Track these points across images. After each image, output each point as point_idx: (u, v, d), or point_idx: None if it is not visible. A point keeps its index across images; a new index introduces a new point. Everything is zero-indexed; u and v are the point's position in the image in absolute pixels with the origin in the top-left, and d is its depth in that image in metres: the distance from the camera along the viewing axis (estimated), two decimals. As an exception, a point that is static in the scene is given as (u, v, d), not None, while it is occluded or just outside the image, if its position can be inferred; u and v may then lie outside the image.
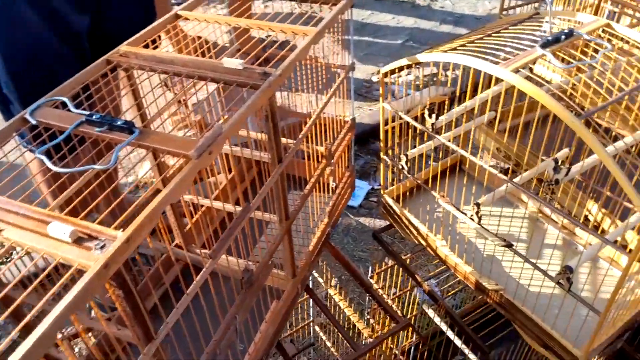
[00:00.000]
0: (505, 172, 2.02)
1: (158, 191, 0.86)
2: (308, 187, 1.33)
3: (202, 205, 1.43)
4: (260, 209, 1.26)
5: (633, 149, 1.08)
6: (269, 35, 1.24)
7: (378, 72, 4.12)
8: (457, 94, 1.70)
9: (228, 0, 3.27)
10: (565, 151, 1.42)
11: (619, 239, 1.26)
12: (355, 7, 4.73)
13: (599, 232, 1.44)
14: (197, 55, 1.28)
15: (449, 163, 1.67)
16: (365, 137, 3.44)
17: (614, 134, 1.25)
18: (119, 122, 0.85)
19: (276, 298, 1.32)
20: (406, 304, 2.11)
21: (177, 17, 1.30)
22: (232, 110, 0.97)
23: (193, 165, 0.80)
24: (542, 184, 1.16)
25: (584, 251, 1.11)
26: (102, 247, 0.67)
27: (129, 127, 0.85)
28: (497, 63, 1.06)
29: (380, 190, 1.60)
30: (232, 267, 1.12)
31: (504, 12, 1.74)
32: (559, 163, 1.08)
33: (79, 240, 0.69)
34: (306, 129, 1.25)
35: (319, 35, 1.15)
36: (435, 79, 3.63)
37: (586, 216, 1.53)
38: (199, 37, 1.31)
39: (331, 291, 1.81)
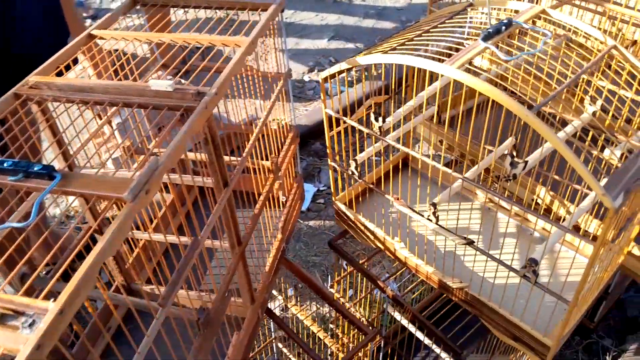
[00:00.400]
0: (449, 164, 2.02)
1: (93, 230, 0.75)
2: (258, 206, 1.24)
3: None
4: (208, 236, 1.16)
5: (588, 137, 1.07)
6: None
7: (309, 72, 4.09)
8: (393, 87, 1.66)
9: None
10: (510, 140, 1.41)
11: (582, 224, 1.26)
12: (277, 7, 4.67)
13: (551, 217, 1.44)
14: (120, 78, 1.16)
15: (394, 162, 1.64)
16: (305, 139, 3.37)
17: (558, 118, 1.25)
18: (36, 168, 0.74)
19: (236, 328, 1.23)
20: (368, 304, 2.07)
21: (91, 37, 1.18)
22: (164, 126, 0.87)
23: (129, 209, 0.70)
24: (499, 179, 1.14)
25: (546, 241, 1.10)
26: (31, 325, 0.57)
27: (48, 172, 0.73)
28: (441, 61, 1.02)
29: (326, 191, 1.55)
30: (185, 308, 1.02)
31: (434, 4, 1.73)
32: (514, 157, 1.05)
33: (2, 319, 0.58)
34: (250, 145, 1.16)
35: (252, 46, 1.07)
36: (367, 73, 3.61)
37: (535, 201, 1.54)
38: (116, 51, 1.19)
39: (290, 305, 1.74)
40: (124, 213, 0.69)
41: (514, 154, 1.05)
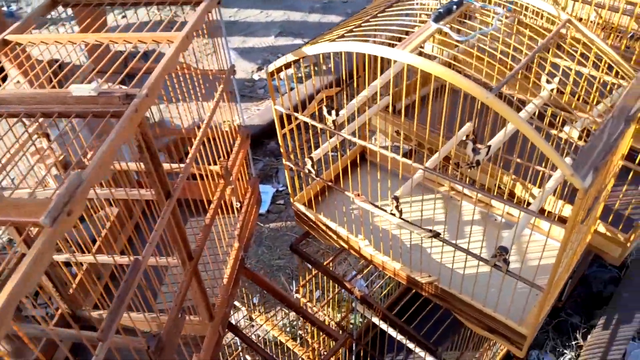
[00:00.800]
0: (408, 154, 1.97)
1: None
2: (209, 215, 1.15)
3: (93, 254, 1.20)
4: (154, 253, 1.06)
5: (547, 115, 1.03)
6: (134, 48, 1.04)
7: (259, 70, 3.98)
8: (343, 79, 1.59)
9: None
10: (468, 125, 1.36)
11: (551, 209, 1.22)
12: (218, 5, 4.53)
13: (515, 201, 1.41)
14: (53, 85, 1.04)
15: (352, 157, 1.57)
16: (259, 139, 3.27)
17: (516, 98, 1.20)
18: None
19: (194, 349, 1.13)
20: (336, 303, 2.00)
21: (5, 43, 1.06)
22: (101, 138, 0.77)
23: (49, 235, 0.60)
24: (459, 166, 1.08)
25: (515, 227, 1.05)
26: None
27: (-51, 200, 0.62)
28: (392, 46, 0.95)
29: (285, 191, 1.46)
30: (133, 337, 0.91)
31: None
32: (475, 143, 1.00)
33: None
34: (194, 149, 1.06)
35: (186, 41, 0.97)
36: (316, 68, 3.54)
37: (498, 185, 1.50)
38: (41, 60, 1.07)
39: (255, 316, 1.65)
40: (41, 241, 0.59)
41: (475, 139, 0.99)
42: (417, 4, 1.12)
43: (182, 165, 1.07)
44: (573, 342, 2.22)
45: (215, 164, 1.21)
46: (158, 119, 1.45)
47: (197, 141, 1.07)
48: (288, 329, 2.12)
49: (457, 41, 0.93)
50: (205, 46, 1.28)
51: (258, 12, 4.43)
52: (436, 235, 1.18)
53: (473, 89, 0.87)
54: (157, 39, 0.98)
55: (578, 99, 1.13)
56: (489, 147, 1.00)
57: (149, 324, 1.05)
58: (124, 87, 0.95)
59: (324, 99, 1.21)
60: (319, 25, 4.28)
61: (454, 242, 1.16)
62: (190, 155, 1.04)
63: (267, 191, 2.95)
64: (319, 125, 1.17)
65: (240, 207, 1.38)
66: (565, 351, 2.19)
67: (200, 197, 1.23)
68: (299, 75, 3.55)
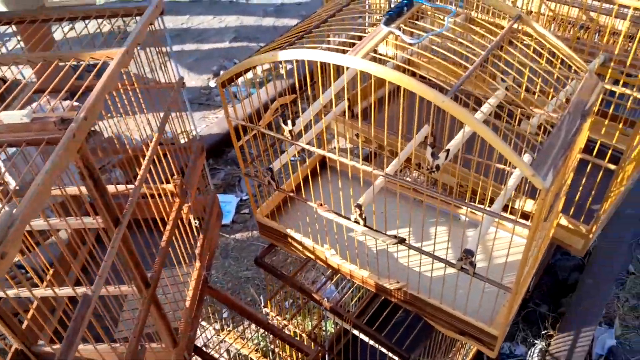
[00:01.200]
0: (369, 157, 1.95)
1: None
2: (165, 237, 1.10)
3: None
4: (109, 281, 1.00)
5: (504, 113, 1.02)
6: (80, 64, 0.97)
7: (215, 76, 3.90)
8: (299, 85, 1.57)
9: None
10: (425, 128, 1.35)
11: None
12: (170, 13, 4.41)
13: (477, 199, 1.40)
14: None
15: (312, 165, 1.53)
16: (219, 147, 3.21)
17: (472, 98, 1.19)
18: None
19: (160, 379, 1.08)
20: (307, 311, 1.96)
21: None
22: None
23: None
24: (420, 167, 1.06)
25: (479, 228, 1.04)
26: None
27: None
28: (344, 51, 0.92)
29: (249, 200, 1.41)
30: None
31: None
32: (434, 147, 0.98)
33: None
34: (143, 170, 1.01)
35: (127, 57, 0.92)
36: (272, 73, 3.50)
37: (459, 184, 1.49)
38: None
39: (224, 334, 1.60)
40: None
41: (434, 144, 0.97)
42: (368, 5, 1.10)
43: (132, 187, 1.01)
44: (543, 332, 2.24)
45: (168, 182, 1.15)
46: (113, 132, 1.38)
47: (147, 160, 1.02)
48: (260, 345, 2.07)
49: (410, 44, 0.91)
50: (156, 56, 1.23)
51: (211, 18, 4.35)
52: (401, 241, 1.16)
53: (428, 94, 0.84)
54: (95, 57, 0.92)
55: (533, 94, 1.12)
56: (448, 151, 0.98)
57: (110, 355, 0.99)
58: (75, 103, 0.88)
59: (279, 108, 1.17)
60: (274, 28, 4.24)
61: (419, 246, 1.14)
62: (139, 177, 0.98)
63: (230, 201, 2.89)
64: (276, 136, 1.13)
65: (200, 224, 1.33)
66: (535, 341, 2.21)
67: (156, 216, 1.17)
68: (258, 80, 3.50)
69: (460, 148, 1.13)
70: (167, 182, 1.18)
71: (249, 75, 3.66)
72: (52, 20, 1.08)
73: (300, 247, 1.38)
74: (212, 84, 3.73)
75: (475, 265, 1.05)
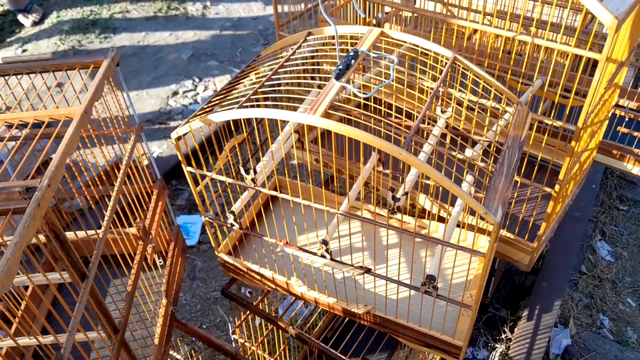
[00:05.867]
0: (329, 181, 2.01)
1: None
2: (131, 281, 1.13)
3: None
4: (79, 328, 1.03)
5: (447, 141, 1.09)
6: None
7: (174, 95, 3.90)
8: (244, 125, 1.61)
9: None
10: (373, 155, 1.41)
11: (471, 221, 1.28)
12: (126, 31, 4.39)
13: (436, 219, 1.48)
14: None
15: (264, 199, 1.58)
16: (181, 168, 3.22)
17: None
18: None
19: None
20: (275, 337, 2.00)
21: None
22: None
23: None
24: (387, 210, 1.12)
25: (436, 256, 1.11)
26: None
27: None
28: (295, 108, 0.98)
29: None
30: None
31: (282, 27, 1.69)
32: (394, 191, 1.04)
33: None
34: (107, 221, 1.04)
35: (85, 116, 0.95)
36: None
37: (414, 206, 1.57)
38: None
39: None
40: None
41: (393, 189, 1.03)
42: (315, 50, 1.16)
43: (99, 231, 1.04)
44: (503, 336, 2.35)
45: (130, 225, 1.19)
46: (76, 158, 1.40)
47: (110, 211, 1.05)
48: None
49: (362, 98, 0.97)
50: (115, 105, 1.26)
51: (167, 35, 4.34)
52: (367, 271, 1.22)
53: (387, 148, 0.91)
54: (54, 117, 0.95)
55: (473, 120, 1.20)
56: (407, 193, 1.05)
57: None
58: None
59: (228, 152, 1.22)
60: (232, 44, 4.26)
61: (384, 271, 1.21)
62: (102, 229, 1.02)
63: (195, 222, 2.91)
64: (239, 184, 1.18)
65: (164, 260, 1.37)
66: (496, 345, 2.32)
67: (121, 252, 1.21)
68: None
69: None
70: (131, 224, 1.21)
71: (204, 94, 3.67)
72: (10, 75, 1.10)
73: (263, 280, 1.42)
74: (172, 102, 3.73)
75: (438, 288, 1.12)
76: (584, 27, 1.92)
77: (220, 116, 1.05)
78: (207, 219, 1.28)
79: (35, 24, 4.27)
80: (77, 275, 0.89)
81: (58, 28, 4.28)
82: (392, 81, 1.01)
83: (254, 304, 1.48)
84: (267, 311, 1.66)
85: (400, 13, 1.91)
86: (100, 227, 1.06)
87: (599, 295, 2.60)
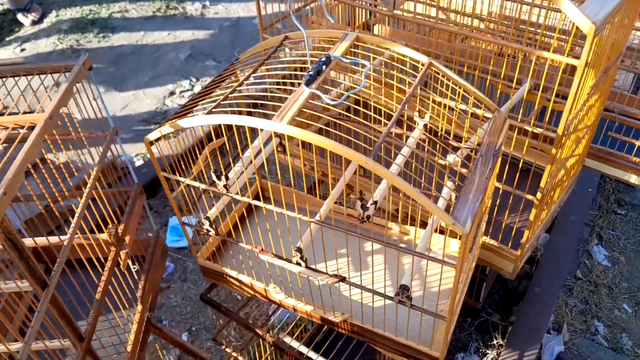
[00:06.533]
0: (314, 185, 1.99)
1: None
2: (100, 289, 1.11)
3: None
4: (42, 335, 1.01)
5: (427, 148, 1.07)
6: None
7: (171, 95, 3.89)
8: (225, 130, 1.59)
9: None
10: (352, 164, 1.38)
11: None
12: (124, 30, 4.38)
13: (416, 224, 1.46)
14: None
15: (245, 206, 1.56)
16: (172, 168, 3.20)
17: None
18: None
19: None
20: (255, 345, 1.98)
21: None
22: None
23: None
24: (358, 218, 1.10)
25: (409, 266, 1.09)
26: None
27: None
28: (268, 115, 0.96)
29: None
30: None
31: (265, 30, 1.67)
32: (363, 200, 1.02)
33: None
34: (73, 228, 1.03)
35: (51, 122, 0.94)
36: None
37: (391, 211, 1.56)
38: None
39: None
40: None
41: (362, 197, 1.01)
42: (292, 54, 1.14)
43: (63, 237, 1.03)
44: (495, 342, 2.32)
45: (101, 230, 1.17)
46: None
47: (77, 218, 1.04)
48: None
49: (332, 105, 0.95)
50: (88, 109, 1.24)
51: (166, 34, 4.33)
52: (342, 279, 1.20)
53: (353, 156, 0.89)
54: (19, 123, 0.93)
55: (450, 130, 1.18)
56: (376, 202, 1.02)
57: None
58: None
59: (208, 157, 1.20)
60: (230, 44, 4.25)
61: (359, 279, 1.19)
62: (70, 232, 1.00)
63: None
64: (213, 190, 1.16)
65: (141, 264, 1.35)
66: (487, 351, 2.29)
67: (92, 256, 1.19)
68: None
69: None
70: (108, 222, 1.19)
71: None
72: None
73: (243, 286, 1.41)
74: (168, 102, 3.72)
75: (412, 298, 1.10)
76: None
77: (189, 122, 1.03)
78: (184, 223, 1.26)
79: (34, 23, 4.27)
80: (37, 284, 0.87)
81: (57, 27, 4.28)
82: (364, 88, 0.99)
83: (242, 307, 1.46)
84: (252, 315, 1.64)
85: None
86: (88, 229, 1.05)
87: (594, 300, 2.57)
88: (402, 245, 1.48)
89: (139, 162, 3.29)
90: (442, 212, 0.89)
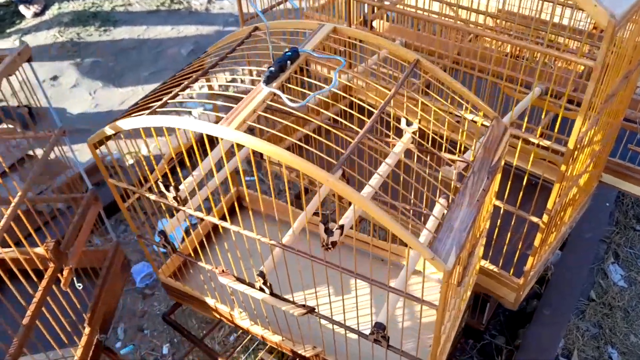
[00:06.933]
0: (300, 194, 1.83)
1: None
2: (31, 311, 0.97)
3: None
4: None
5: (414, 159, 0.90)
6: None
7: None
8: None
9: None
10: (324, 188, 1.22)
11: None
12: (127, 24, 4.27)
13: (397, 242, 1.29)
14: None
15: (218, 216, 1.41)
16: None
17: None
18: None
19: None
20: None
21: None
22: None
23: None
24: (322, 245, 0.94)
25: (386, 305, 0.92)
26: None
27: None
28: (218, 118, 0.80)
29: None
30: None
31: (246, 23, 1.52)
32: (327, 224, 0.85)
33: None
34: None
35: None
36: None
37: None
38: None
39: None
40: None
41: (327, 221, 0.85)
42: (254, 49, 0.99)
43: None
44: (497, 367, 2.15)
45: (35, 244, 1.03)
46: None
47: (5, 219, 0.89)
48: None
49: (292, 108, 0.80)
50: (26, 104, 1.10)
51: (169, 29, 4.21)
52: (311, 311, 1.04)
53: (314, 173, 0.73)
54: None
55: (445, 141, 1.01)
56: (342, 226, 0.86)
57: None
58: None
59: (166, 167, 1.06)
60: (234, 40, 4.11)
61: (330, 311, 1.03)
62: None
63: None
64: (164, 202, 1.01)
65: (94, 280, 1.21)
66: (489, 377, 2.12)
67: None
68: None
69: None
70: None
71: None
72: None
73: (207, 308, 1.25)
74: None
75: (389, 338, 0.94)
76: (598, 31, 1.70)
77: (128, 123, 0.88)
78: (139, 237, 1.12)
79: (36, 15, 4.18)
80: None
81: (58, 20, 4.18)
82: (334, 88, 0.83)
83: (215, 326, 1.31)
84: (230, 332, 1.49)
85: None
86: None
87: (609, 325, 2.37)
88: (391, 265, 1.32)
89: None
90: (420, 244, 0.73)
